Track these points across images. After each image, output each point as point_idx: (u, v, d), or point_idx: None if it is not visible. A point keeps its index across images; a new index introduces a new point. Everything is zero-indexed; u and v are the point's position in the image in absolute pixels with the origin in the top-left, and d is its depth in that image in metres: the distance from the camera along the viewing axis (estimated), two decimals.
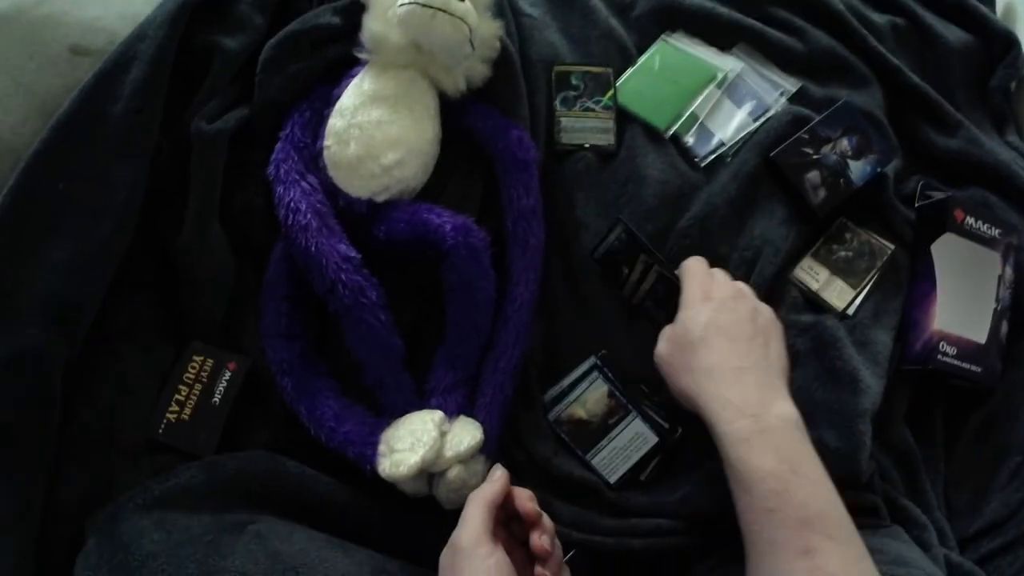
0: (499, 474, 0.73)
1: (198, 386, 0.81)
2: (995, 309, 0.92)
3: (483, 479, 0.74)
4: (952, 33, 1.10)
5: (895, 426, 0.90)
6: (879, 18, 1.09)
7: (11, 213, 0.76)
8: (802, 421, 0.71)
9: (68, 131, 0.79)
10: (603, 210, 0.91)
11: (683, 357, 0.76)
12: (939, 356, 0.88)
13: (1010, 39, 1.11)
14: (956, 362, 0.89)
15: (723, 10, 1.04)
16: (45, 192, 0.78)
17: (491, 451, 0.80)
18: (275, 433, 0.83)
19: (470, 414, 0.81)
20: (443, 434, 0.77)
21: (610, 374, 0.85)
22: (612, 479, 0.83)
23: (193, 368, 0.81)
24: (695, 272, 0.82)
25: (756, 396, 0.71)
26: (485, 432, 0.78)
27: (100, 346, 0.80)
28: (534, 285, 0.85)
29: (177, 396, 0.80)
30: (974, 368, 0.90)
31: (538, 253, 0.86)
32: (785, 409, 0.71)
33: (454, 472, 0.76)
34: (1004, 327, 0.93)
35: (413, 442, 0.75)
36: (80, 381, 0.78)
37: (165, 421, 0.80)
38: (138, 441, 0.80)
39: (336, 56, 0.90)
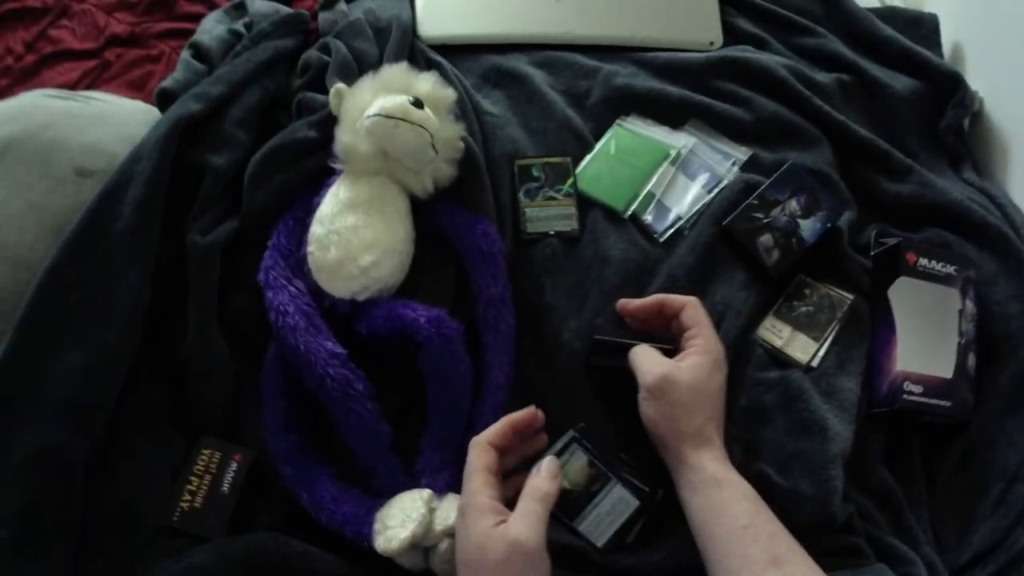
0: (556, 469, 0.80)
1: (208, 477, 0.88)
2: (959, 343, 0.95)
3: None
4: (898, 82, 1.16)
5: (873, 468, 0.92)
6: (824, 77, 1.14)
7: (30, 324, 0.83)
8: None
9: (76, 248, 0.87)
10: (570, 292, 0.97)
11: (699, 398, 0.81)
12: (904, 396, 0.91)
13: (956, 79, 1.16)
14: (923, 399, 0.92)
15: (672, 90, 1.10)
16: (59, 304, 0.85)
17: None
18: (279, 516, 0.89)
19: (457, 491, 0.86)
20: (433, 510, 0.82)
21: (588, 445, 0.89)
22: (600, 543, 0.87)
23: (203, 461, 0.88)
24: (704, 317, 0.88)
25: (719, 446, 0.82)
26: None
27: (118, 440, 0.87)
28: (508, 367, 0.91)
29: (189, 486, 0.87)
30: (943, 403, 0.92)
31: (510, 337, 0.92)
32: None
33: (444, 545, 0.81)
34: (971, 359, 0.96)
35: (404, 519, 0.80)
36: (100, 473, 0.85)
37: (179, 509, 0.86)
38: (154, 527, 0.86)
39: (315, 166, 0.98)
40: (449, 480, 0.87)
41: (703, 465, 0.77)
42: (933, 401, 0.92)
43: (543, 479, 0.78)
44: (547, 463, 0.80)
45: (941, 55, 1.23)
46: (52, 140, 0.95)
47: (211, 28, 1.16)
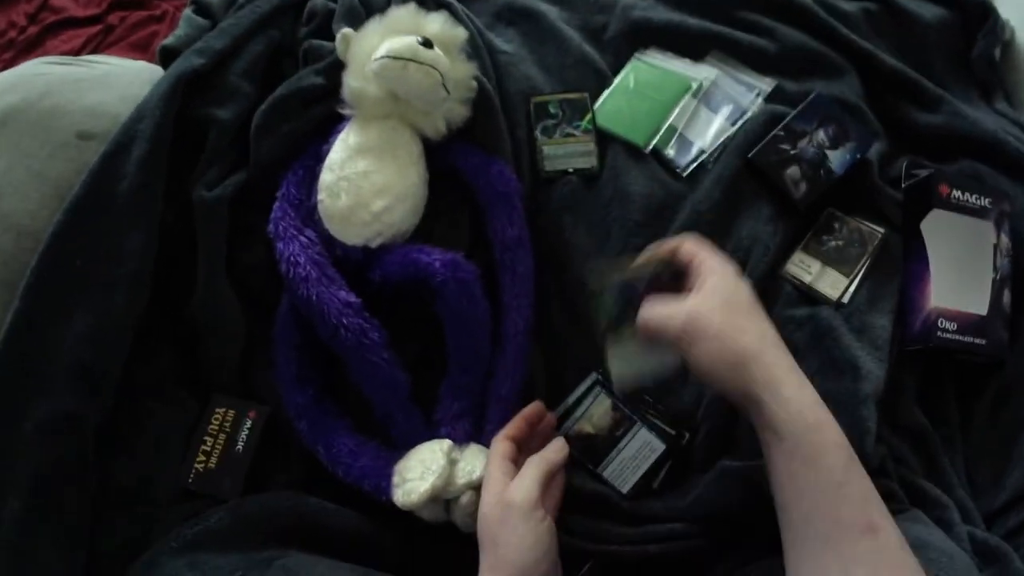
0: (561, 444, 0.79)
1: (222, 436, 0.86)
2: (994, 279, 0.92)
3: None
4: (926, 10, 1.11)
5: (906, 408, 0.90)
6: (849, 6, 1.09)
7: (36, 291, 0.81)
8: None
9: (80, 212, 0.85)
10: (591, 230, 0.94)
11: (739, 318, 0.69)
12: (939, 333, 0.88)
13: (985, 7, 1.11)
14: (958, 337, 0.89)
15: (692, 21, 1.06)
16: (64, 269, 0.83)
17: None
18: (296, 472, 0.87)
19: (480, 441, 0.84)
20: (454, 462, 0.80)
21: (612, 388, 0.87)
22: (625, 489, 0.84)
23: (216, 419, 0.86)
24: (703, 245, 0.77)
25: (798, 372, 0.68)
26: None
27: (130, 403, 0.85)
28: (527, 311, 0.88)
29: (203, 447, 0.85)
30: (978, 341, 0.89)
31: (528, 281, 0.89)
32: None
33: (467, 498, 0.79)
34: (1006, 296, 0.92)
35: (423, 471, 0.78)
36: (114, 438, 0.83)
37: (194, 471, 0.85)
38: (170, 489, 0.85)
39: (323, 114, 0.95)
40: (469, 429, 0.85)
41: (788, 397, 0.64)
42: (968, 339, 0.89)
43: (549, 449, 0.78)
44: (554, 442, 0.79)
45: None
46: (52, 106, 0.93)
47: None
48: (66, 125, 0.93)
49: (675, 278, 0.77)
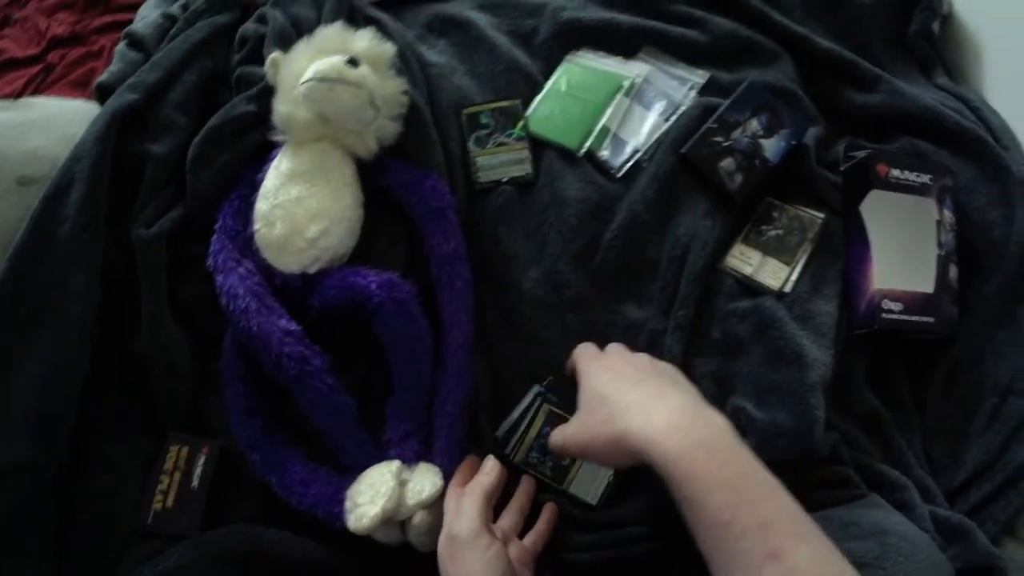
0: (491, 464, 0.80)
1: (177, 474, 0.85)
2: (939, 255, 0.91)
3: None
4: None
5: (858, 392, 0.89)
6: None
7: None
8: (732, 426, 0.67)
9: (23, 259, 0.85)
10: (528, 238, 0.93)
11: (599, 413, 0.72)
12: (884, 315, 0.87)
13: None
14: (904, 317, 0.87)
15: (623, 18, 1.05)
16: (12, 319, 0.83)
17: None
18: (253, 504, 0.86)
19: (429, 458, 0.83)
20: (404, 483, 0.79)
21: (555, 398, 0.86)
22: (594, 501, 0.83)
23: (171, 457, 0.86)
24: (585, 349, 0.82)
25: (681, 413, 0.67)
26: (444, 475, 0.81)
27: (86, 446, 0.85)
28: (467, 326, 0.87)
29: (160, 486, 0.85)
30: (925, 319, 0.88)
31: (467, 294, 0.88)
32: (714, 417, 0.67)
33: (419, 518, 0.78)
34: (953, 271, 0.91)
35: (373, 495, 0.78)
36: (71, 481, 0.83)
37: (152, 511, 0.84)
38: (131, 528, 0.84)
39: (257, 141, 0.94)
40: (417, 448, 0.84)
41: (663, 455, 0.64)
42: (915, 318, 0.88)
43: (480, 473, 0.80)
44: (487, 462, 0.81)
45: None
46: None
47: (146, 15, 1.13)
48: (6, 172, 0.93)
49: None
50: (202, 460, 0.86)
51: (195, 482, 0.85)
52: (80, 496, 0.84)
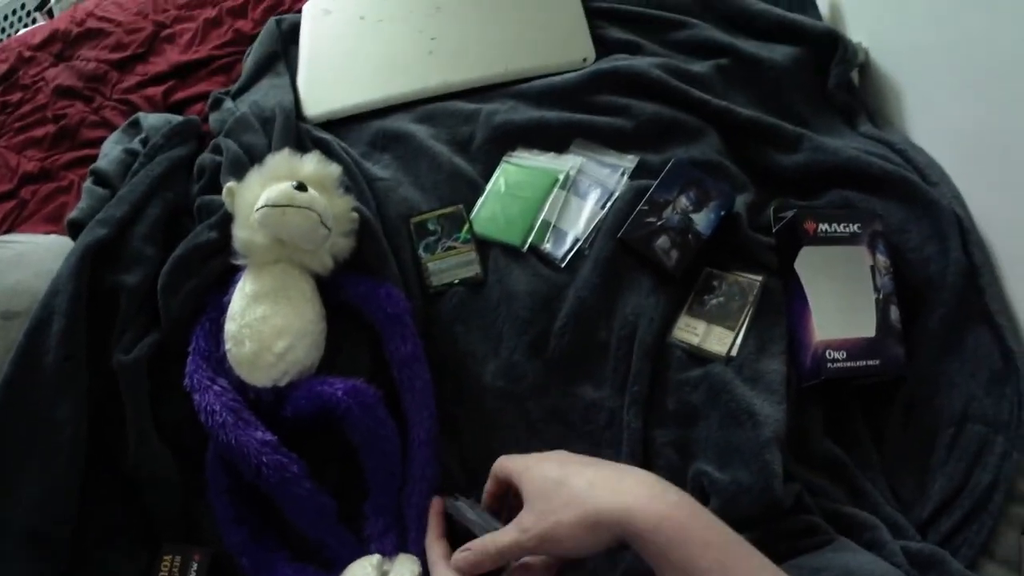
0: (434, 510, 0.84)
1: None
2: (876, 299, 0.93)
3: None
4: (776, 52, 1.15)
5: (817, 441, 0.90)
6: (701, 67, 1.14)
7: None
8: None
9: (12, 390, 0.91)
10: (485, 334, 0.97)
11: (557, 498, 0.69)
12: (829, 365, 0.89)
13: (832, 36, 1.14)
14: (849, 364, 0.90)
15: (551, 115, 1.10)
16: (7, 444, 0.89)
17: None
18: None
19: (406, 548, 0.87)
20: (385, 574, 0.83)
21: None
22: None
23: (165, 566, 0.90)
24: (508, 458, 0.80)
25: (649, 481, 0.67)
26: (422, 563, 0.84)
27: (84, 557, 0.90)
28: (429, 422, 0.91)
29: None
30: (871, 363, 0.90)
31: (427, 393, 0.92)
32: (676, 491, 0.67)
33: None
34: (894, 312, 0.94)
35: None
36: None
37: None
38: None
39: (222, 266, 1.00)
40: (395, 541, 0.88)
41: (635, 531, 0.63)
42: (860, 363, 0.90)
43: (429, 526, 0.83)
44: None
45: (819, 15, 1.23)
46: None
47: (109, 151, 1.19)
48: None
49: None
50: (194, 567, 0.90)
51: None
52: None
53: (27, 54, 1.58)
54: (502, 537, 0.71)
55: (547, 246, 1.01)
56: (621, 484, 0.67)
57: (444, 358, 0.96)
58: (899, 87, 1.14)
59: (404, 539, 0.88)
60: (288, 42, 1.34)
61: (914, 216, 0.99)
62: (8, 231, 1.26)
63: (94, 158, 1.22)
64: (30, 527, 0.86)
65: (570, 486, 0.69)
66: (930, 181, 1.01)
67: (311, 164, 0.98)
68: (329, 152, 1.08)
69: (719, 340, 0.93)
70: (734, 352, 0.92)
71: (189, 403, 0.92)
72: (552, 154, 1.09)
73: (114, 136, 1.25)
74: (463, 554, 0.74)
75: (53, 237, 1.15)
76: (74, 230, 1.06)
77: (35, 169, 1.35)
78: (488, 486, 0.82)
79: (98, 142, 1.29)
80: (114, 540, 0.93)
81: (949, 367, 0.92)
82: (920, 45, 1.09)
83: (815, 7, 1.24)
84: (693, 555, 0.61)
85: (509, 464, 0.77)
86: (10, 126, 1.45)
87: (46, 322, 0.94)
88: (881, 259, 0.96)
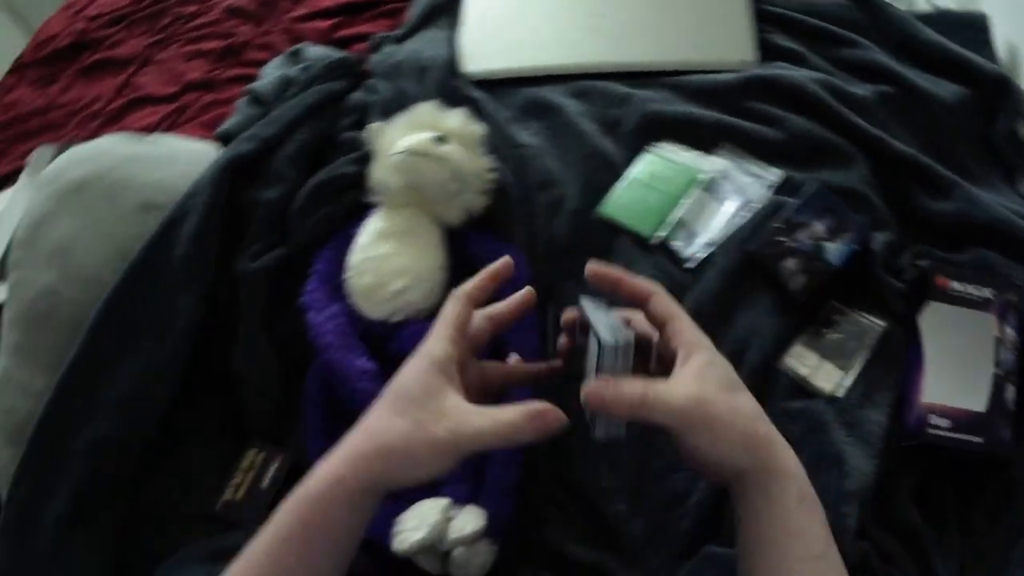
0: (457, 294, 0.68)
1: (251, 473, 0.94)
2: (995, 374, 0.87)
3: (486, 560, 0.82)
4: (943, 89, 1.07)
5: (902, 505, 0.86)
6: (863, 90, 1.07)
7: (97, 333, 0.93)
8: None
9: (138, 272, 0.96)
10: None
11: (736, 398, 0.61)
12: (930, 430, 0.85)
13: (1004, 82, 1.06)
14: (951, 434, 0.85)
15: (704, 114, 1.06)
16: (121, 319, 0.94)
17: (496, 535, 0.85)
18: None
19: (478, 501, 0.87)
20: (449, 519, 0.83)
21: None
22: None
23: (248, 457, 0.95)
24: (676, 308, 0.66)
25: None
26: (489, 519, 0.84)
27: (172, 438, 0.96)
28: (528, 392, 0.90)
29: (234, 480, 0.94)
30: (974, 439, 0.85)
31: (533, 356, 0.91)
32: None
33: (457, 552, 0.83)
34: (1010, 392, 0.87)
35: (418, 523, 0.82)
36: (153, 464, 0.94)
37: (223, 500, 0.93)
38: (197, 513, 0.93)
39: (356, 200, 1.02)
40: (468, 491, 0.88)
41: (795, 472, 0.60)
42: (963, 436, 0.85)
43: (450, 301, 0.67)
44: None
45: (992, 57, 1.14)
46: (119, 179, 1.04)
47: (268, 74, 1.21)
48: (132, 196, 1.03)
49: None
50: (275, 466, 0.94)
51: (265, 483, 0.93)
52: (158, 477, 0.94)
53: None
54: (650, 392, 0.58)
55: (677, 243, 0.98)
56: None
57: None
58: None
59: (477, 493, 0.88)
60: None
61: None
62: (166, 131, 1.29)
63: (254, 78, 1.24)
64: (128, 392, 0.91)
65: (751, 401, 0.62)
66: None
67: (456, 119, 0.98)
68: (478, 111, 1.07)
69: (828, 377, 0.89)
70: (840, 393, 0.88)
71: (301, 321, 0.95)
72: (699, 153, 1.05)
73: (276, 61, 1.26)
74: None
75: (205, 144, 1.17)
76: (223, 142, 1.09)
77: (199, 78, 1.38)
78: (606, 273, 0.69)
79: (260, 63, 1.31)
80: (203, 429, 0.98)
81: None
82: None
83: (990, 47, 1.15)
84: (809, 520, 0.60)
85: (686, 327, 0.64)
86: (181, 36, 1.48)
87: (180, 220, 0.97)
88: (1009, 332, 0.90)
